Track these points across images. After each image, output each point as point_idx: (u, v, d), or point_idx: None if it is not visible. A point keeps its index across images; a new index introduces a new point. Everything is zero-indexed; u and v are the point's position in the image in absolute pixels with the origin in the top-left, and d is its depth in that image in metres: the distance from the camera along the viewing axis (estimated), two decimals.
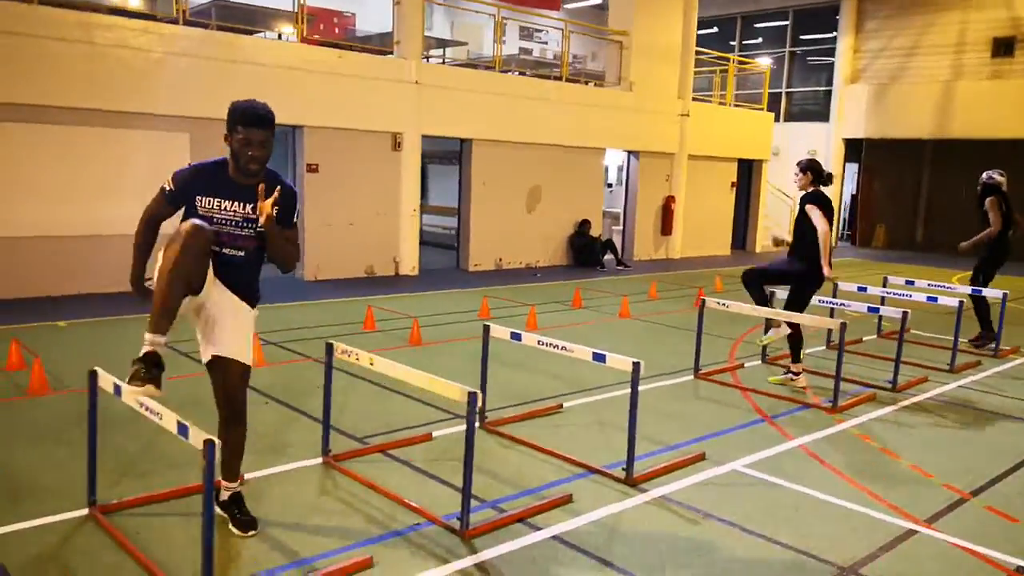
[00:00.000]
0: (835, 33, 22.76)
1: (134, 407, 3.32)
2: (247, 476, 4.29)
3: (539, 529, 3.92)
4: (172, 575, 3.37)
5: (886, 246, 23.01)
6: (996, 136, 19.31)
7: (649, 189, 17.19)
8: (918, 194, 23.49)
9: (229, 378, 3.71)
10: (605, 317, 10.20)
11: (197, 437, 2.91)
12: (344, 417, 5.53)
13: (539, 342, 4.99)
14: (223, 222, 3.57)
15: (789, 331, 6.81)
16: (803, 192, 6.79)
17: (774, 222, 21.33)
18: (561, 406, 6.05)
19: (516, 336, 5.19)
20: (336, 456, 4.75)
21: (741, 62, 20.19)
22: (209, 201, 3.56)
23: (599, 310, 10.68)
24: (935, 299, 8.11)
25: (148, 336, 3.35)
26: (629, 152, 17.00)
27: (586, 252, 15.51)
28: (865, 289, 8.71)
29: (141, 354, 3.32)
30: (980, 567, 3.81)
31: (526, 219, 15.03)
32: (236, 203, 3.59)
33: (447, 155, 16.37)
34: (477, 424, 4.41)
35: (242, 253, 3.66)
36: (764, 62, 21.87)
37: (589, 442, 5.31)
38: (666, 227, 17.51)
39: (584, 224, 15.66)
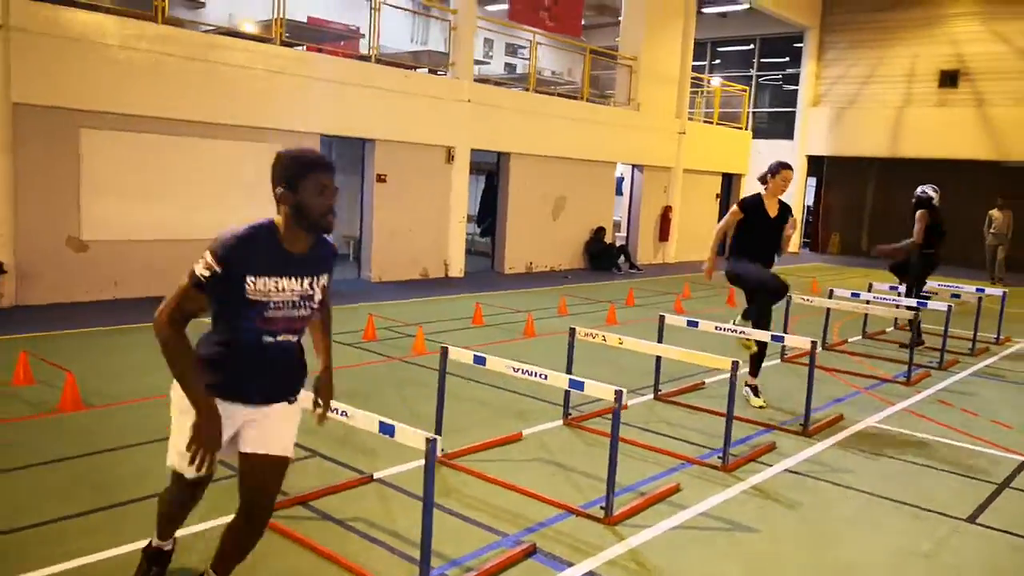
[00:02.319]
0: (786, 59, 24.93)
1: None
2: (379, 473, 4.84)
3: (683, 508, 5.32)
4: None
5: (840, 252, 25.28)
6: (940, 156, 21.68)
7: (650, 200, 18.84)
8: (863, 206, 25.94)
9: (268, 474, 3.05)
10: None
11: None
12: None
13: (720, 328, 6.42)
14: (279, 305, 2.86)
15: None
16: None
17: None
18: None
19: (692, 323, 6.63)
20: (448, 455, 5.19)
21: (726, 85, 22.05)
22: (264, 282, 2.80)
23: (654, 307, 12.19)
24: (925, 303, 9.59)
25: (155, 541, 3.37)
26: (634, 166, 18.60)
27: (601, 257, 17.02)
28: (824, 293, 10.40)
29: (144, 548, 3.36)
30: None
31: (551, 226, 16.45)
32: (295, 279, 2.88)
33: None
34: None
35: (295, 338, 3.03)
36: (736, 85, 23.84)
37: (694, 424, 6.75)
38: (663, 234, 19.20)
39: (600, 231, 17.18)
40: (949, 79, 22.26)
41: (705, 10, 22.93)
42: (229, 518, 3.18)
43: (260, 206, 11.37)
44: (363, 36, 15.20)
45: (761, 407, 6.85)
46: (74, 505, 4.30)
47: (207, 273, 2.75)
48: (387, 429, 3.61)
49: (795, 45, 25.19)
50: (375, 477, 4.87)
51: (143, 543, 3.56)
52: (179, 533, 3.60)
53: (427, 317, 10.43)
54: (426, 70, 14.94)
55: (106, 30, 9.90)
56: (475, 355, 5.05)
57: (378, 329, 9.19)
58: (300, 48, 12.48)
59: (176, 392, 2.93)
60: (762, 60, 26.64)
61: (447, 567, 3.73)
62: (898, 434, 6.40)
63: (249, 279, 2.78)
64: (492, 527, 4.28)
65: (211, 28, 11.78)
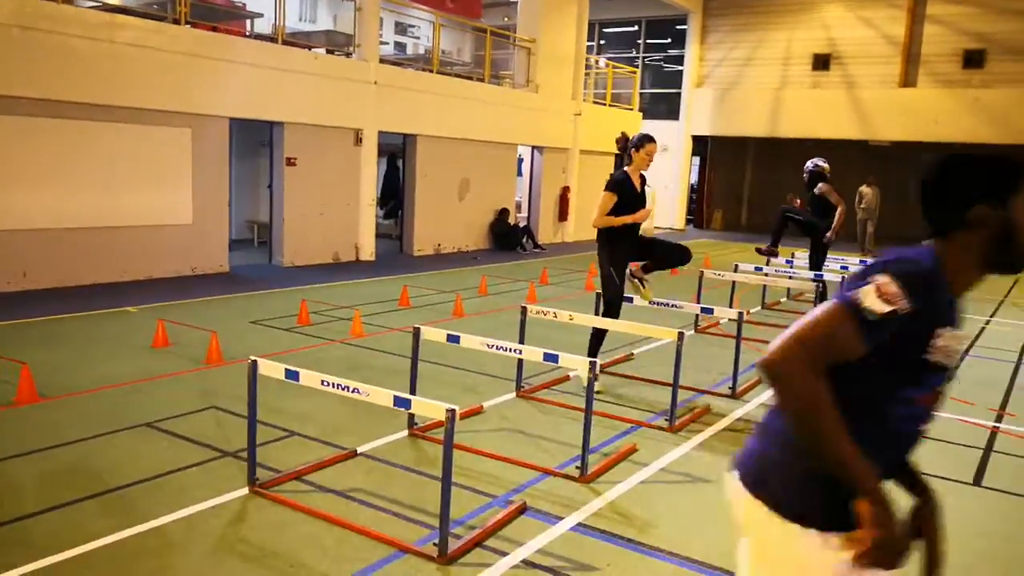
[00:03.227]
0: (668, 40, 25.99)
1: None
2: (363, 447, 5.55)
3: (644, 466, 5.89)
4: None
5: (722, 228, 26.63)
6: (814, 136, 23.16)
7: (550, 180, 19.38)
8: (743, 184, 27.46)
9: None
10: (575, 290, 12.26)
11: None
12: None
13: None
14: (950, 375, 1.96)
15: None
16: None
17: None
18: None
19: (627, 299, 7.13)
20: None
21: (615, 66, 22.78)
22: (950, 338, 1.85)
23: (569, 285, 12.71)
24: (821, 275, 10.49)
25: None
26: (534, 147, 19.06)
27: (507, 237, 17.44)
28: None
29: None
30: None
31: (458, 208, 16.73)
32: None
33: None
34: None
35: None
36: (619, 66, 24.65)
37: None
38: (563, 214, 19.80)
39: (504, 212, 17.58)
40: (821, 62, 23.72)
41: None
42: None
43: (170, 192, 11.28)
44: (261, 16, 15.01)
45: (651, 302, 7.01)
46: (72, 492, 4.38)
47: (887, 311, 1.76)
48: (403, 403, 3.89)
49: (678, 27, 26.22)
50: (359, 452, 5.12)
51: (139, 528, 3.73)
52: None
53: (352, 300, 10.56)
54: (323, 50, 14.81)
55: (0, 8, 9.50)
56: (448, 334, 5.35)
57: (310, 313, 9.30)
58: (207, 30, 12.22)
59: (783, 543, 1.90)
60: (647, 42, 27.59)
61: (454, 526, 4.05)
62: None
63: (940, 334, 1.84)
64: (481, 490, 4.62)
65: (109, 6, 11.37)
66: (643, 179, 6.74)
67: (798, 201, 10.10)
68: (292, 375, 4.29)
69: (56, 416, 5.62)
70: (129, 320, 8.82)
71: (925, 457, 5.45)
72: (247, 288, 11.15)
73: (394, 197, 18.22)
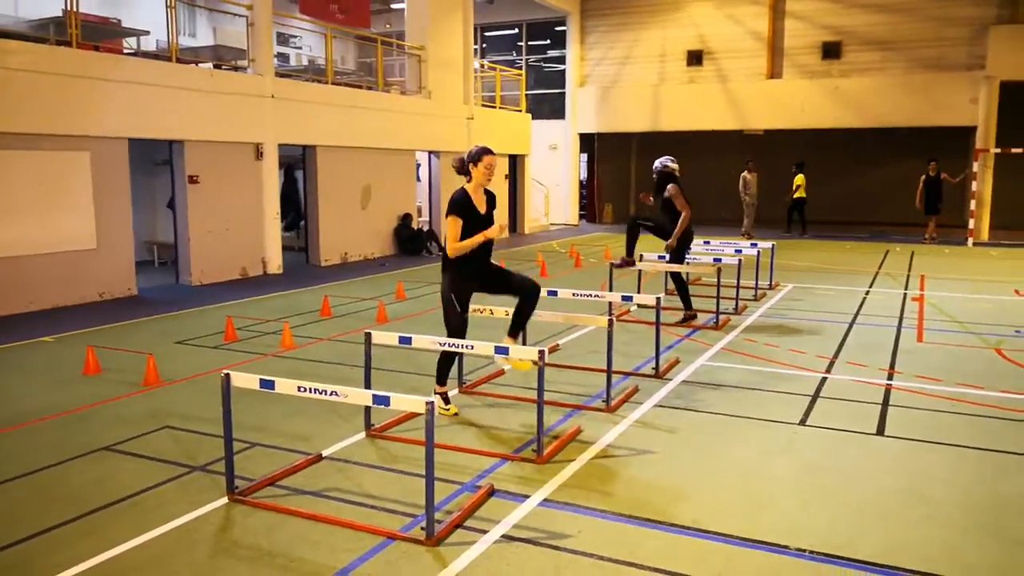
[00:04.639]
0: (547, 41, 26.77)
1: None
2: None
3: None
4: None
5: (613, 221, 27.57)
6: (692, 128, 24.39)
7: (448, 184, 19.66)
8: (629, 177, 28.50)
9: None
10: None
11: None
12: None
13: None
14: None
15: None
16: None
17: (532, 207, 24.86)
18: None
19: (552, 292, 7.59)
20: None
21: (502, 69, 23.29)
22: None
23: None
24: (719, 259, 11.27)
25: None
26: (430, 152, 19.36)
27: (411, 241, 17.68)
28: None
29: None
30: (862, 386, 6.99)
31: (361, 215, 16.87)
32: None
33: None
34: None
35: None
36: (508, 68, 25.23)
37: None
38: None
39: (407, 217, 17.82)
40: (695, 58, 24.89)
41: None
42: None
43: (72, 217, 11.04)
44: (147, 33, 14.79)
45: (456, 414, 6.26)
46: (46, 519, 4.47)
47: None
48: (382, 400, 4.20)
49: (557, 28, 27.00)
50: (324, 455, 5.37)
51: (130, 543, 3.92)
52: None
53: (271, 314, 10.65)
54: (210, 64, 14.68)
55: None
56: (400, 336, 5.66)
57: (236, 330, 9.37)
58: (89, 50, 11.99)
59: None
60: (529, 43, 28.26)
61: (436, 510, 4.37)
62: (726, 368, 7.74)
63: None
64: (450, 479, 4.96)
65: None
66: (489, 196, 6.22)
67: (651, 199, 9.95)
68: (267, 384, 4.52)
69: (9, 447, 5.62)
70: (48, 350, 8.67)
71: (832, 414, 6.15)
72: (160, 309, 11.05)
73: (293, 209, 18.19)
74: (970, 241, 19.10)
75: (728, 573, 3.85)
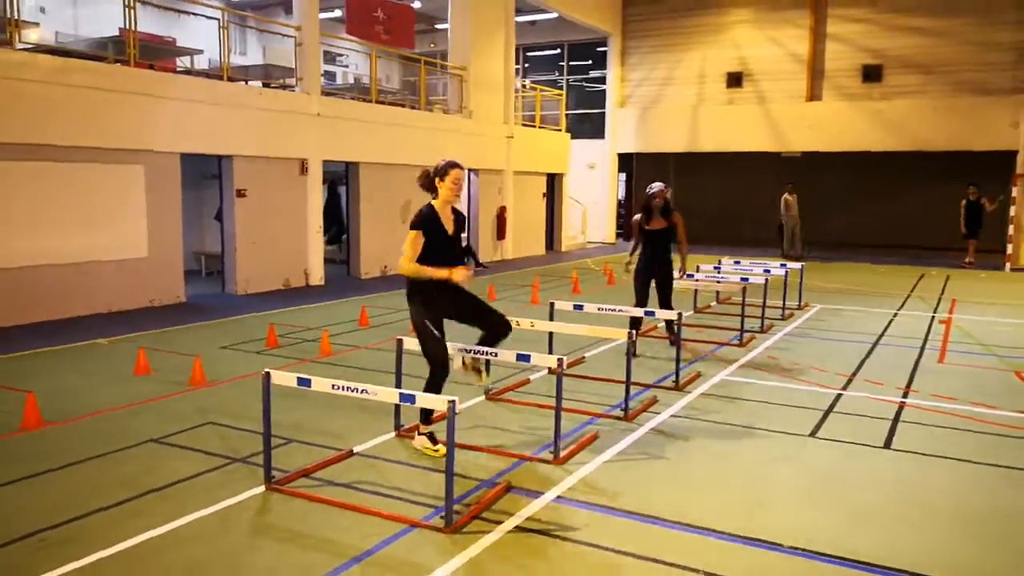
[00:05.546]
0: (590, 62, 27.18)
1: None
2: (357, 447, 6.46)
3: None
4: None
5: None
6: (730, 149, 24.61)
7: (487, 201, 20.17)
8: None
9: None
10: (522, 304, 13.04)
11: None
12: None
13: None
14: None
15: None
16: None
17: (570, 225, 25.22)
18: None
19: (578, 306, 7.92)
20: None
21: (542, 89, 23.76)
22: None
23: (515, 300, 13.47)
24: (747, 279, 11.49)
25: None
26: (470, 170, 19.82)
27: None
28: None
29: None
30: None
31: (401, 230, 17.28)
32: None
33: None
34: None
35: None
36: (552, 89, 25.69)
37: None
38: (500, 232, 20.60)
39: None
40: (735, 80, 25.11)
41: (517, 18, 24.57)
42: None
43: (127, 227, 11.65)
44: (201, 52, 15.46)
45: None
46: (105, 499, 4.90)
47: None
48: (408, 398, 4.57)
49: (599, 49, 27.42)
50: (355, 451, 5.75)
51: (178, 522, 4.32)
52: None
53: (312, 323, 11.11)
54: (259, 83, 15.32)
55: None
56: None
57: (277, 336, 9.83)
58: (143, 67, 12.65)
59: None
60: (570, 64, 28.72)
61: (455, 502, 4.71)
62: (744, 383, 7.99)
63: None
64: (470, 476, 5.31)
65: (60, 50, 11.72)
66: (458, 216, 5.78)
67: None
68: (304, 382, 4.91)
69: (66, 438, 6.09)
70: (103, 351, 9.21)
71: (842, 428, 6.37)
72: (207, 316, 11.58)
73: (336, 223, 18.74)
74: (1008, 266, 18.99)
75: (722, 566, 4.13)
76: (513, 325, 7.05)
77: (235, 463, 5.55)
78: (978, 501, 5.05)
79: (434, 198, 5.68)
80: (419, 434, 5.81)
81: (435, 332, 5.55)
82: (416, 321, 5.61)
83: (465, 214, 5.93)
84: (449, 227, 5.66)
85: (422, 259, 5.50)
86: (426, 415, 5.76)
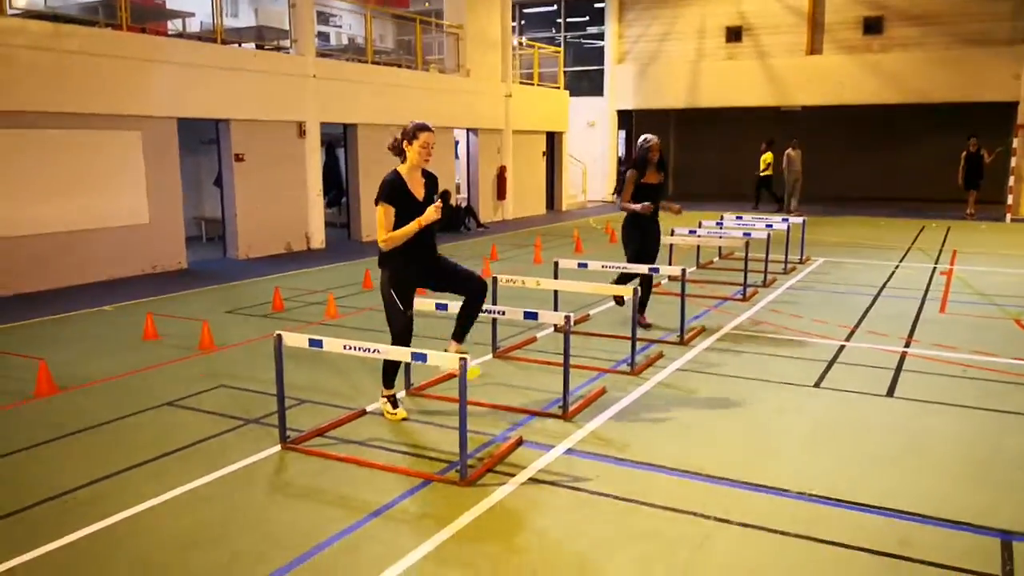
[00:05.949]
0: (586, 18, 26.90)
1: None
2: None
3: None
4: None
5: None
6: (731, 104, 24.47)
7: (486, 161, 20.10)
8: (667, 152, 28.62)
9: None
10: (524, 263, 13.08)
11: None
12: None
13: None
14: None
15: None
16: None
17: (570, 184, 25.15)
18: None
19: (583, 265, 7.97)
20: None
21: (540, 47, 23.54)
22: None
23: (517, 259, 13.51)
24: (749, 234, 11.54)
25: None
26: (469, 130, 19.73)
27: (450, 218, 18.10)
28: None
29: None
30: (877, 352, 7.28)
31: None
32: None
33: None
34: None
35: None
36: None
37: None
38: (500, 193, 20.55)
39: (445, 194, 18.14)
40: (734, 34, 24.86)
41: None
42: None
43: (126, 194, 11.63)
44: (192, 15, 15.29)
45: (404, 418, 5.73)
46: (127, 460, 4.99)
47: None
48: (420, 356, 4.63)
49: (596, 5, 27.11)
50: (367, 410, 5.83)
51: (200, 480, 4.40)
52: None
53: (316, 286, 11.16)
54: (253, 45, 15.14)
55: None
56: (436, 303, 6.10)
57: (283, 300, 9.88)
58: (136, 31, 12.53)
59: None
60: (567, 20, 28.41)
61: (469, 457, 4.79)
62: (748, 335, 8.06)
63: None
64: (482, 431, 5.39)
65: (49, 15, 11.61)
66: (429, 178, 5.59)
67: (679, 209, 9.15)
68: (316, 343, 4.97)
69: (81, 403, 6.17)
70: (109, 318, 9.27)
71: (846, 378, 6.45)
72: (210, 282, 11.62)
73: (335, 186, 18.71)
74: (1008, 217, 19.00)
75: (730, 512, 4.22)
76: (518, 284, 7.16)
77: (249, 424, 5.63)
78: (982, 446, 5.14)
79: (402, 162, 5.47)
80: (382, 396, 5.74)
81: (398, 304, 5.46)
82: (384, 294, 5.52)
83: (436, 174, 5.73)
84: (419, 192, 5.48)
85: (397, 226, 5.37)
86: (387, 379, 5.66)
